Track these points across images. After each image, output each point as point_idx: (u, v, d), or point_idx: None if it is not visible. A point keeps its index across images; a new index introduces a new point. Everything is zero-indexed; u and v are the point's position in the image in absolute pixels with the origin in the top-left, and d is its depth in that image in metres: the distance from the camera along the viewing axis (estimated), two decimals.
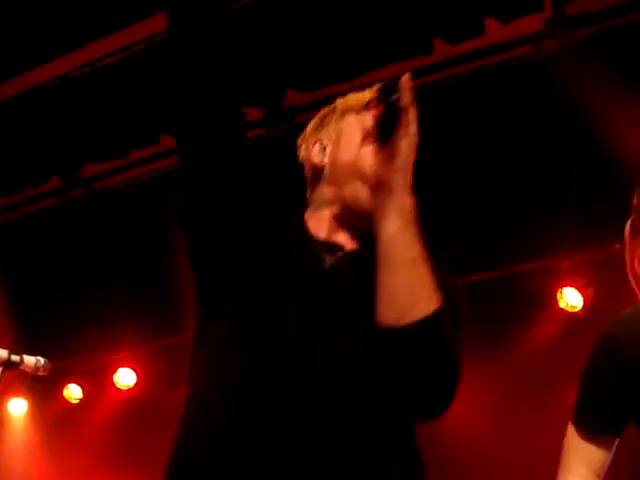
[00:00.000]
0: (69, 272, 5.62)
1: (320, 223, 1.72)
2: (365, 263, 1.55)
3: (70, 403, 6.50)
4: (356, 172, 1.66)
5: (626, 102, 3.90)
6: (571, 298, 5.21)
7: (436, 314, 1.47)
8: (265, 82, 4.18)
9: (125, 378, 6.33)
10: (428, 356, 1.45)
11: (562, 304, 5.22)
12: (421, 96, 1.59)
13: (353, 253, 1.66)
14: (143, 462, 5.94)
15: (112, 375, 6.33)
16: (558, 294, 5.22)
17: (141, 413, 6.30)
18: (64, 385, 6.45)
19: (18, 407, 6.71)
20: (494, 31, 3.97)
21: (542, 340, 5.38)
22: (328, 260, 1.64)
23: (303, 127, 1.86)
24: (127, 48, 4.26)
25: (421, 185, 1.63)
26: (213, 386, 1.57)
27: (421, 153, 1.58)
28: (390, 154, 1.51)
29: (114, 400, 6.47)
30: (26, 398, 6.67)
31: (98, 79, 4.35)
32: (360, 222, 1.63)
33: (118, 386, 6.34)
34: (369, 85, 1.75)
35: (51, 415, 6.66)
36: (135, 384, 6.34)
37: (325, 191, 1.75)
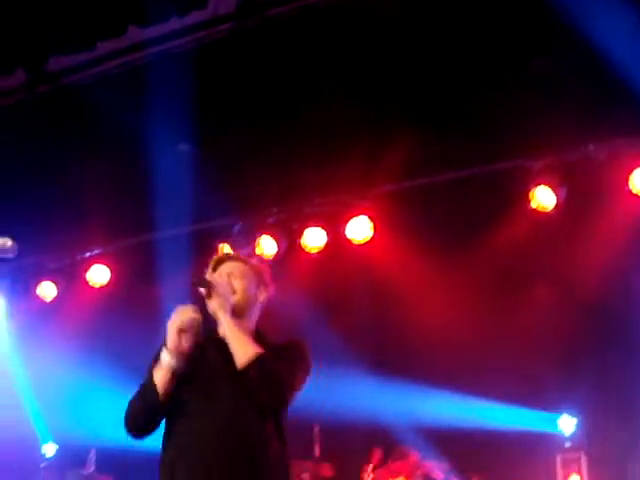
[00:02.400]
0: (38, 168, 5.53)
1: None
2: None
3: (44, 301, 6.49)
4: None
5: None
6: (543, 198, 5.22)
7: (257, 357, 2.80)
8: None
9: (98, 276, 6.33)
10: (260, 378, 2.79)
11: (534, 204, 5.23)
12: None
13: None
14: (117, 360, 6.00)
15: (85, 273, 6.34)
16: (530, 194, 5.22)
17: (115, 311, 6.32)
18: (38, 283, 6.44)
19: None
20: None
21: (514, 238, 5.41)
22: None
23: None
24: None
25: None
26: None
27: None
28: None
29: (88, 298, 6.47)
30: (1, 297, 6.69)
31: None
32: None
33: (91, 284, 6.34)
34: None
35: (26, 313, 6.66)
36: (108, 282, 6.35)
37: None
